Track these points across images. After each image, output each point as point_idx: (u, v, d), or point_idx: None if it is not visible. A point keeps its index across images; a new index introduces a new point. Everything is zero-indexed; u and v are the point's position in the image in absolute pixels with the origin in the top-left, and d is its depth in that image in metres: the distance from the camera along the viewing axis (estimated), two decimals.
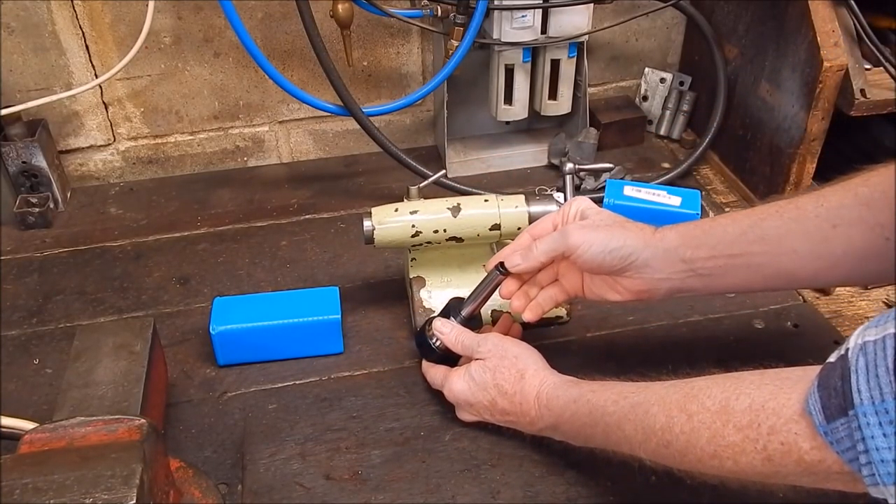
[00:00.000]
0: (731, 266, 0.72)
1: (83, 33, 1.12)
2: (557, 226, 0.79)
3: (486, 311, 0.91)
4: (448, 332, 0.81)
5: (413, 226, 0.87)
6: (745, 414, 0.56)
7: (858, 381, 0.48)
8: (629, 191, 1.06)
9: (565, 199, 0.91)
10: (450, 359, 0.83)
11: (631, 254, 0.73)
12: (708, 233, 0.73)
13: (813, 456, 0.52)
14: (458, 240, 0.89)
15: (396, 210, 0.88)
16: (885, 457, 0.47)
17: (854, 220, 0.65)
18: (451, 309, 0.83)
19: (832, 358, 0.52)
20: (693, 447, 0.59)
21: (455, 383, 0.79)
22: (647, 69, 1.34)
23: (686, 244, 0.73)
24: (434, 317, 0.85)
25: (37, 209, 1.13)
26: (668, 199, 1.05)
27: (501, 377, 0.76)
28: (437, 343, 0.82)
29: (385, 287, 1.01)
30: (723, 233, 0.72)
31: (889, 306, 0.98)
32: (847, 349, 0.50)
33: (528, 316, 0.80)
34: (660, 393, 0.64)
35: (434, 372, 0.83)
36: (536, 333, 0.90)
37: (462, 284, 0.91)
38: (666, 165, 1.26)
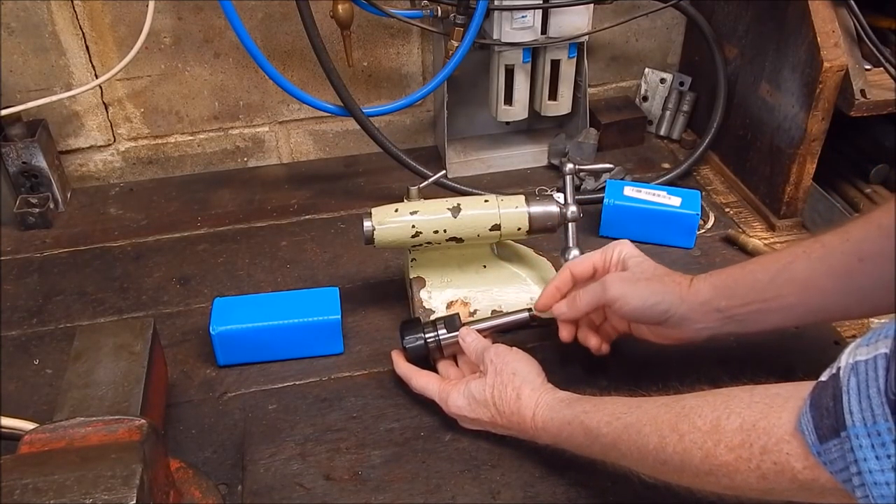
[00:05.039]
0: (764, 310, 0.74)
1: (83, 34, 1.12)
2: (598, 269, 0.83)
3: (486, 312, 0.91)
4: (470, 342, 0.82)
5: (413, 226, 0.87)
6: (736, 434, 0.56)
7: (850, 402, 0.48)
8: (629, 191, 1.06)
9: (565, 200, 0.91)
10: (425, 358, 0.85)
11: (668, 309, 0.76)
12: (739, 282, 0.75)
13: (806, 475, 0.52)
14: (459, 240, 0.89)
15: (396, 210, 0.88)
16: (878, 479, 0.47)
17: (879, 252, 0.66)
18: (452, 321, 0.85)
19: (824, 377, 0.52)
20: (688, 466, 0.60)
21: (456, 400, 0.79)
22: (647, 69, 1.34)
23: (719, 295, 0.75)
24: (433, 318, 0.85)
25: (37, 209, 1.13)
26: (668, 199, 1.05)
27: (499, 397, 0.76)
28: (432, 343, 0.83)
29: (385, 287, 1.01)
30: (753, 280, 0.74)
31: None
32: (839, 368, 0.51)
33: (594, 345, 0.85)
34: (651, 413, 0.64)
35: (424, 381, 0.82)
36: (539, 334, 0.91)
37: (462, 284, 0.91)
38: (666, 166, 1.26)
